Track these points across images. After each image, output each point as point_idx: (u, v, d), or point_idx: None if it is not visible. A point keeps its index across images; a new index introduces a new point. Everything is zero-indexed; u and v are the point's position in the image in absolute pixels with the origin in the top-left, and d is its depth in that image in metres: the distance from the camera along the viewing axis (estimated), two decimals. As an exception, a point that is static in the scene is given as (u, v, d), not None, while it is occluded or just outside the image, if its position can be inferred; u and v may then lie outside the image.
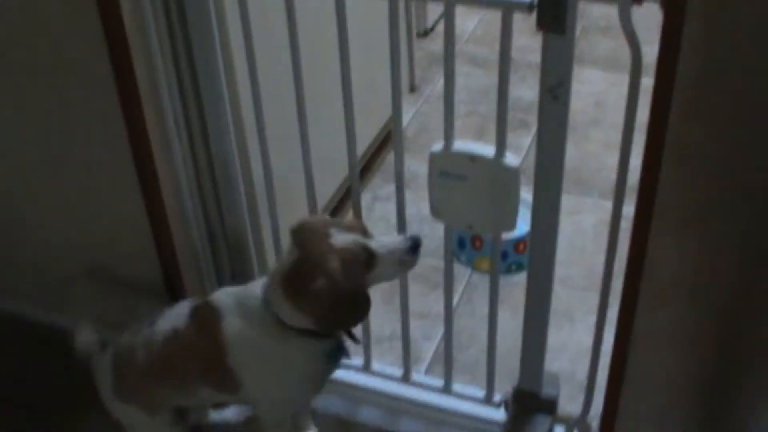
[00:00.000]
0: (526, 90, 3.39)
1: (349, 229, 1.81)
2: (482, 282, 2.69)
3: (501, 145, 1.83)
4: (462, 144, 1.87)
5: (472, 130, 3.29)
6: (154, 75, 2.05)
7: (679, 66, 1.53)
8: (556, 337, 2.54)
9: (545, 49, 1.68)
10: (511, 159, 1.85)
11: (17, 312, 2.68)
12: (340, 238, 1.76)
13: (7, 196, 2.44)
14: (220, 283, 2.42)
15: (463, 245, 2.82)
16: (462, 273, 2.80)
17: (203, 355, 1.90)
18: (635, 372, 1.94)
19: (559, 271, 2.72)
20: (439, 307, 2.28)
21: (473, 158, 1.86)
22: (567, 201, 2.98)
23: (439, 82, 3.64)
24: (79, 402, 2.42)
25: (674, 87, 1.55)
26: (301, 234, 1.80)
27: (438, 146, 1.89)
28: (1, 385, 2.50)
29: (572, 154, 3.23)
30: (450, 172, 1.89)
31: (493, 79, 1.78)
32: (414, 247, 1.82)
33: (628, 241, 1.76)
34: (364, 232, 1.82)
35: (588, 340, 2.07)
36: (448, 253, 2.09)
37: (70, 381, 2.49)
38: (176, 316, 1.96)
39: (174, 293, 2.37)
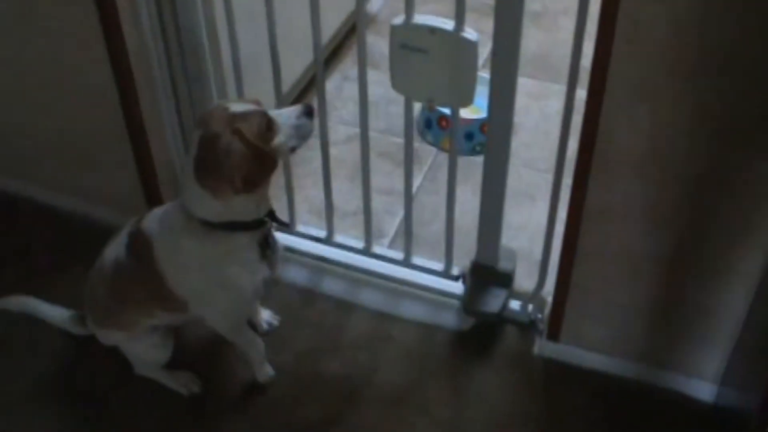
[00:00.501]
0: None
1: (244, 102, 1.84)
2: (447, 161, 2.72)
3: (460, 19, 1.85)
4: (422, 17, 1.89)
5: (445, 14, 3.27)
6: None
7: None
8: (517, 216, 2.59)
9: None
10: (470, 33, 1.86)
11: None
12: (237, 107, 1.80)
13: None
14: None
15: (430, 125, 2.85)
16: (429, 152, 2.84)
17: (145, 283, 1.96)
18: (587, 246, 1.99)
19: (524, 153, 2.79)
20: (402, 185, 2.32)
21: (433, 31, 1.87)
22: (534, 86, 3.05)
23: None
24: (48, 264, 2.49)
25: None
26: (202, 116, 1.83)
27: (399, 19, 1.90)
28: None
29: (541, 40, 3.27)
30: (410, 45, 1.90)
31: None
32: (306, 111, 1.86)
33: (584, 119, 1.79)
34: (259, 105, 1.85)
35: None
36: (409, 127, 2.11)
37: (40, 245, 2.55)
38: (116, 245, 2.01)
39: (144, 167, 2.40)
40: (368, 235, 2.38)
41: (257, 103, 1.84)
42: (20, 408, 2.18)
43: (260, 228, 1.91)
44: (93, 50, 2.19)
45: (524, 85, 3.03)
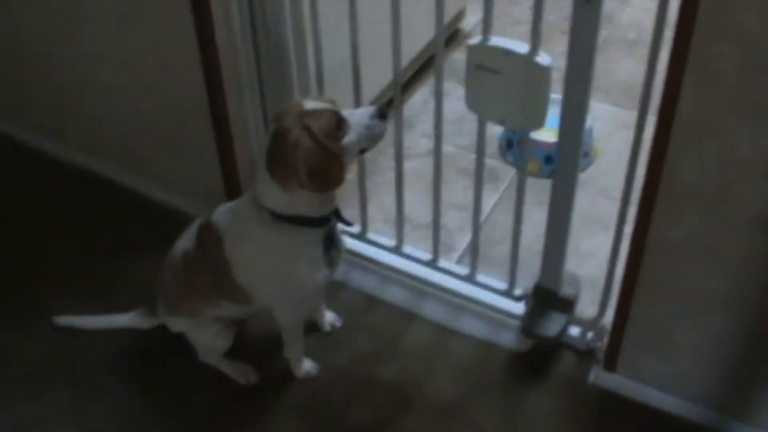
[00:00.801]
0: None
1: (321, 101, 1.89)
2: (527, 183, 2.73)
3: (535, 43, 1.87)
4: (498, 39, 1.91)
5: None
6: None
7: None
8: (588, 243, 2.59)
9: (581, -48, 1.70)
10: (544, 58, 1.88)
11: (80, 163, 2.87)
12: (311, 104, 1.85)
13: (82, 56, 2.56)
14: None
15: (511, 145, 2.86)
16: (508, 172, 2.85)
17: (212, 273, 2.03)
18: (647, 279, 1.98)
19: (602, 181, 2.78)
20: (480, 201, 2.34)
21: (507, 53, 1.89)
22: (621, 114, 3.04)
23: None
24: (126, 248, 2.59)
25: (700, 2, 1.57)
26: (277, 112, 1.90)
27: (476, 39, 1.93)
28: (67, 230, 2.68)
29: (633, 69, 3.25)
30: (485, 66, 1.93)
31: None
32: (380, 113, 1.89)
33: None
34: (334, 104, 1.89)
35: (621, 250, 2.09)
36: (481, 143, 2.14)
37: (120, 231, 2.65)
38: (188, 237, 2.10)
39: (227, 163, 2.48)
40: (436, 248, 2.41)
41: (333, 102, 1.89)
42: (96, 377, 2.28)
43: (325, 225, 1.96)
44: (186, 50, 2.28)
45: (611, 112, 3.05)
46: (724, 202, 1.79)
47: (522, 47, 1.88)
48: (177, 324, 2.20)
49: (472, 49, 1.93)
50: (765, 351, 1.97)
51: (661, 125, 1.74)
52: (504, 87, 1.93)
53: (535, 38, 1.86)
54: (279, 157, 1.84)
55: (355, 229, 2.51)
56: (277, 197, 1.88)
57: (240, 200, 2.04)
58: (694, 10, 1.57)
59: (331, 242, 2.01)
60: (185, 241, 2.09)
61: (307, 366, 2.25)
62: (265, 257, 1.97)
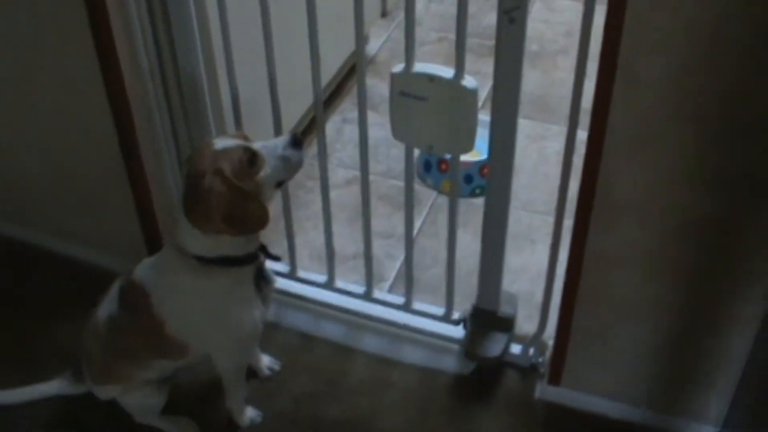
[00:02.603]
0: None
1: (231, 137, 1.86)
2: (447, 204, 2.74)
3: (459, 67, 1.87)
4: (422, 65, 1.91)
5: (443, 55, 3.32)
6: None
7: (631, -9, 1.57)
8: (517, 259, 2.61)
9: (502, -28, 1.72)
10: (469, 81, 1.89)
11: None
12: (221, 143, 1.82)
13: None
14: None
15: (429, 168, 2.87)
16: (428, 195, 2.85)
17: (142, 334, 1.97)
18: (588, 290, 2.00)
19: (523, 195, 2.81)
20: (403, 228, 2.33)
21: (432, 79, 1.90)
22: (533, 127, 3.08)
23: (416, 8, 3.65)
24: (46, 311, 2.50)
25: (625, 11, 1.59)
26: (189, 155, 1.88)
27: (399, 67, 1.93)
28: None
29: (540, 81, 3.30)
30: (410, 93, 1.93)
31: (469, 6, 1.82)
32: (294, 141, 1.88)
33: (584, 164, 1.81)
34: (246, 139, 1.87)
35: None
36: (408, 173, 2.14)
37: (39, 296, 2.56)
38: (109, 301, 2.03)
39: (144, 213, 2.42)
40: (369, 280, 2.39)
41: (245, 137, 1.86)
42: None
43: (253, 262, 1.94)
44: (93, 97, 2.21)
45: (522, 126, 3.05)
46: (658, 210, 1.82)
47: (447, 72, 1.89)
48: (106, 392, 2.13)
49: (395, 77, 1.93)
50: (697, 350, 2.01)
51: (592, 138, 1.76)
52: (430, 113, 1.93)
53: (460, 61, 1.87)
54: (195, 203, 1.80)
55: (284, 267, 2.48)
56: (200, 242, 1.85)
57: (161, 253, 2.00)
58: (620, 21, 1.59)
59: (262, 278, 1.99)
60: (107, 306, 2.03)
61: (250, 414, 2.21)
62: (198, 304, 1.93)
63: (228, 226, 1.79)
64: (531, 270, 2.56)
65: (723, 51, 1.57)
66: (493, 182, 2.03)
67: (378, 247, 2.66)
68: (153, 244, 2.45)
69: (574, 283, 2.00)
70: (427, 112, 1.93)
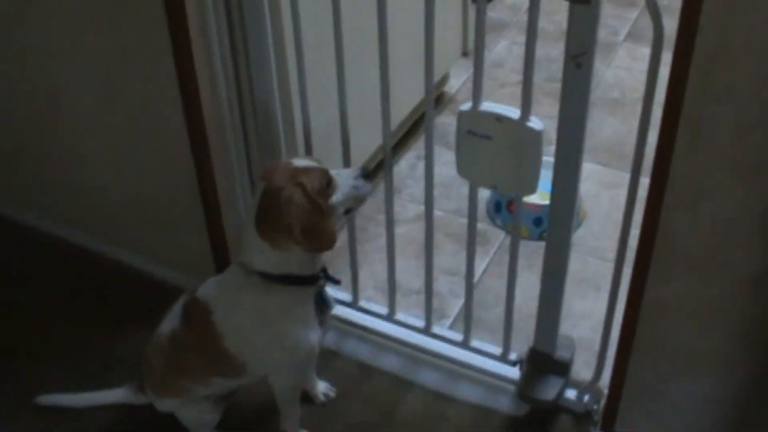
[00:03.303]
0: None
1: (308, 159, 1.95)
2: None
3: (526, 108, 1.89)
4: (489, 105, 1.94)
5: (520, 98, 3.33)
6: (204, 19, 2.15)
7: (696, 41, 1.57)
8: (581, 304, 2.60)
9: (570, 18, 1.74)
10: (535, 122, 1.90)
11: (65, 236, 2.85)
12: (301, 162, 1.91)
13: (67, 128, 2.57)
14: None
15: (500, 209, 2.88)
16: (497, 235, 2.87)
17: (202, 350, 2.03)
18: (643, 339, 1.99)
19: (592, 241, 2.80)
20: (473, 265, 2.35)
21: (499, 119, 1.92)
22: (606, 174, 3.07)
23: (494, 49, 3.69)
24: (118, 323, 2.58)
25: (691, 62, 1.60)
26: (266, 169, 1.93)
27: (466, 105, 1.96)
28: (53, 305, 2.66)
29: (618, 129, 3.29)
30: (476, 132, 1.95)
31: (548, 50, 1.84)
32: (364, 173, 1.96)
33: (647, 213, 1.81)
34: (321, 164, 1.94)
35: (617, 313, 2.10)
36: (472, 211, 2.16)
37: (107, 306, 2.64)
38: (173, 316, 2.09)
39: (214, 232, 2.48)
40: (428, 315, 2.41)
41: (319, 162, 1.94)
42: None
43: (315, 283, 1.99)
44: (172, 120, 2.29)
45: (596, 172, 3.08)
46: (716, 262, 1.81)
47: (513, 112, 1.91)
48: (165, 405, 2.19)
49: (462, 115, 1.96)
50: (757, 413, 1.97)
51: (654, 186, 1.76)
52: (496, 152, 1.95)
53: (526, 103, 1.89)
54: (271, 215, 1.85)
55: (347, 297, 2.51)
56: (267, 257, 1.90)
57: (226, 270, 2.05)
58: (685, 71, 1.60)
59: (322, 301, 2.03)
60: (170, 321, 2.09)
61: None
62: (258, 321, 1.97)
63: (304, 237, 1.84)
64: (593, 317, 2.54)
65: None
66: (553, 225, 2.04)
67: (443, 283, 2.68)
68: (221, 263, 2.51)
69: (629, 331, 1.99)
70: (493, 151, 1.96)
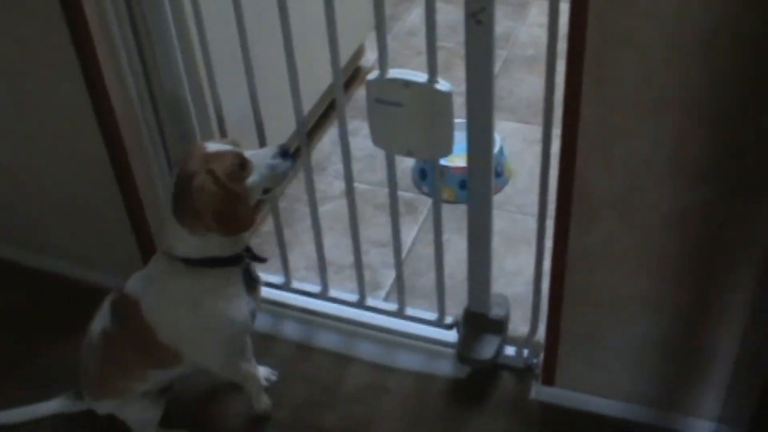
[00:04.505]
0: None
1: (225, 142, 1.93)
2: (444, 211, 2.74)
3: (432, 71, 1.88)
4: (396, 71, 1.92)
5: (441, 64, 3.31)
6: (104, 15, 2.10)
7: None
8: (513, 262, 2.61)
9: (465, -26, 1.72)
10: (443, 84, 1.89)
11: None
12: (214, 146, 1.88)
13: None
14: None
15: (425, 176, 2.87)
16: (425, 203, 2.86)
17: (136, 345, 2.00)
18: (573, 290, 2.00)
19: (519, 198, 2.81)
20: (401, 236, 2.34)
21: (407, 84, 1.90)
22: (530, 131, 3.07)
23: (408, 19, 3.67)
24: (47, 331, 2.52)
25: (588, 8, 1.59)
26: (181, 157, 1.92)
27: (374, 74, 1.94)
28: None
29: (536, 86, 3.29)
30: (385, 99, 1.94)
31: (461, 14, 1.82)
32: (282, 151, 1.93)
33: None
34: (237, 145, 1.92)
35: (545, 264, 2.11)
36: (392, 178, 2.14)
37: (42, 317, 2.58)
38: (102, 315, 2.06)
39: (140, 230, 2.44)
40: (361, 288, 2.41)
41: (236, 144, 1.91)
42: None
43: (239, 263, 1.97)
44: (83, 121, 2.24)
45: (519, 130, 3.09)
46: (634, 205, 1.82)
47: (421, 77, 1.89)
48: (103, 407, 2.15)
49: (370, 84, 1.94)
50: (690, 344, 2.00)
51: (566, 136, 1.77)
52: (407, 118, 1.94)
53: (432, 65, 1.87)
54: (185, 202, 1.84)
55: (279, 279, 2.49)
56: (187, 243, 1.89)
57: (150, 262, 2.03)
58: (584, 17, 1.60)
59: (250, 277, 2.02)
60: (100, 321, 2.05)
61: (265, 399, 2.25)
62: (187, 306, 1.95)
63: (217, 224, 1.83)
64: (526, 272, 2.54)
65: (686, 40, 1.56)
66: (473, 184, 2.03)
67: (375, 255, 2.66)
68: (149, 258, 2.46)
69: (559, 283, 2.00)
70: (404, 117, 1.94)
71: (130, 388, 2.08)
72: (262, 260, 2.04)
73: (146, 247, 2.48)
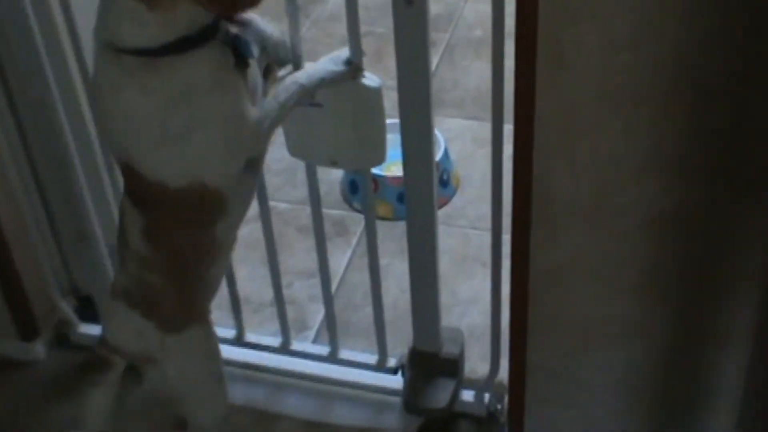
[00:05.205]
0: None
1: None
2: (381, 230, 2.74)
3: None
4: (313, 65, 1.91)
5: (370, 51, 3.31)
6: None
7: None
8: (468, 288, 2.62)
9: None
10: (371, 79, 1.89)
11: None
12: None
13: None
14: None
15: (357, 189, 2.87)
16: (358, 222, 2.85)
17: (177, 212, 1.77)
18: (540, 317, 2.01)
19: (472, 211, 2.82)
20: (330, 264, 2.33)
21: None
22: (480, 130, 3.09)
23: (330, 1, 3.68)
24: None
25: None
26: None
27: (286, 70, 1.93)
28: None
29: (486, 74, 3.27)
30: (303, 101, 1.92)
31: None
32: None
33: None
34: None
35: (504, 289, 2.11)
36: (314, 195, 2.15)
37: None
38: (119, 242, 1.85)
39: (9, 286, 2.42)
40: (285, 329, 2.40)
41: None
42: None
43: (214, 35, 1.67)
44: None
45: (467, 128, 3.10)
46: (606, 210, 1.83)
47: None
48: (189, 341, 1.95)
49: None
50: (685, 376, 2.02)
51: (520, 133, 1.77)
52: (329, 121, 1.93)
53: (357, 56, 1.87)
54: None
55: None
56: (145, 24, 1.59)
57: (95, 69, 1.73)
58: None
59: (240, 52, 1.71)
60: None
61: None
62: (166, 120, 1.66)
63: None
64: (484, 299, 2.54)
65: (659, 8, 1.58)
66: (412, 197, 2.03)
67: (299, 288, 2.66)
68: (23, 323, 2.48)
69: (521, 310, 2.00)
70: (325, 120, 1.93)
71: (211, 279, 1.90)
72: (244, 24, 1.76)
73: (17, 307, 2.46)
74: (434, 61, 3.34)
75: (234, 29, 1.70)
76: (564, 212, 1.85)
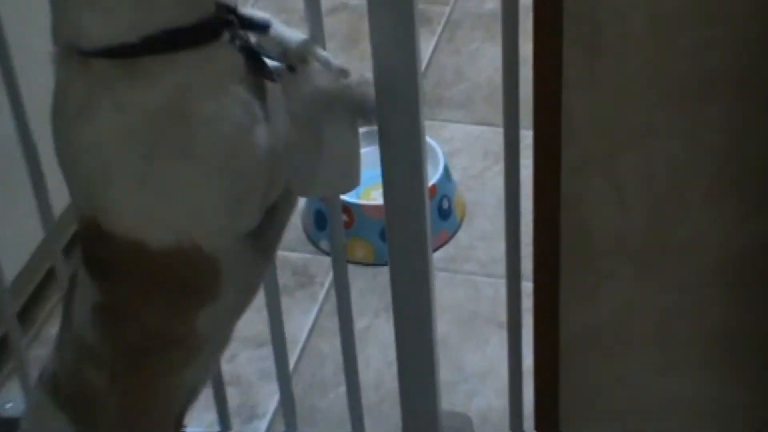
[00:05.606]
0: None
1: None
2: (358, 279, 2.75)
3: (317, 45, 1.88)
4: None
5: (341, 34, 3.34)
6: None
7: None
8: (479, 356, 2.62)
9: None
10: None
11: None
12: None
13: None
14: None
15: (324, 224, 2.87)
16: (326, 268, 2.85)
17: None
18: (574, 395, 2.03)
19: (483, 252, 2.82)
20: (289, 326, 2.33)
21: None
22: (493, 138, 3.09)
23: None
24: None
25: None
26: None
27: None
28: None
29: (498, 61, 3.32)
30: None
31: None
32: None
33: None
34: None
35: (527, 359, 2.12)
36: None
37: None
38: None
39: None
40: (224, 419, 2.42)
41: None
42: None
43: (220, 33, 1.65)
44: None
45: (475, 136, 3.14)
46: (663, 249, 1.84)
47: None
48: None
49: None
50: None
51: (541, 143, 1.77)
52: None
53: (315, 37, 1.87)
54: None
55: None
56: (114, 10, 1.56)
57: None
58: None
59: (256, 60, 1.71)
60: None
61: None
62: (157, 139, 1.61)
63: None
64: (500, 371, 2.54)
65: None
66: (396, 234, 2.02)
67: (247, 362, 2.66)
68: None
69: (550, 386, 2.01)
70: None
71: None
72: (264, 26, 1.76)
73: None
74: (429, 43, 3.36)
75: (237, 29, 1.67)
76: (605, 252, 1.86)
